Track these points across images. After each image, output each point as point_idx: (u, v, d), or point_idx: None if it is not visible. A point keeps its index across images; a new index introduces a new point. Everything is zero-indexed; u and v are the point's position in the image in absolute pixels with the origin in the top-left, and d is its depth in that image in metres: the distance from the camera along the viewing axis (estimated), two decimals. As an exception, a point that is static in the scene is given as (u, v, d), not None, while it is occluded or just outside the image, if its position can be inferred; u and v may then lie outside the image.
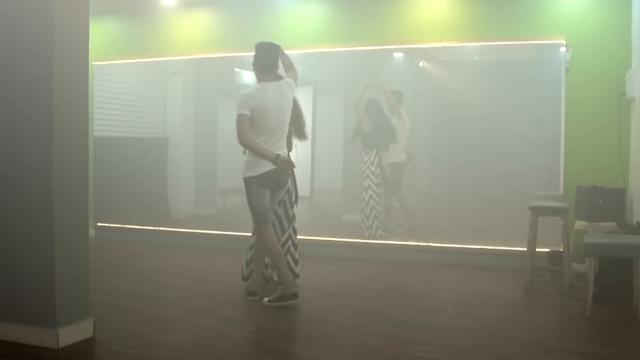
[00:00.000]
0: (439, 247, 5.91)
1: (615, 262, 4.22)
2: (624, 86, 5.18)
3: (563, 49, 5.55)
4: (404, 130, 6.29)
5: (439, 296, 4.52)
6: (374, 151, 6.23)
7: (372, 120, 6.25)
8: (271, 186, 4.24)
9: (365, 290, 4.75)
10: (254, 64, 4.30)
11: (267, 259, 4.57)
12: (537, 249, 4.93)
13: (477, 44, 5.93)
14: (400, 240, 6.06)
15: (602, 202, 5.02)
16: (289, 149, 4.50)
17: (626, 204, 5.16)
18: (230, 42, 6.72)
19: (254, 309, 4.20)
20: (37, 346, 3.26)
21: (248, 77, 7.00)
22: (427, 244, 5.96)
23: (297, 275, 4.80)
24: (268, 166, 4.13)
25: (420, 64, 6.33)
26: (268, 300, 4.23)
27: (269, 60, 4.26)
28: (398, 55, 6.40)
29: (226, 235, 6.51)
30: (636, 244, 3.88)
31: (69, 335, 3.32)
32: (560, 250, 5.17)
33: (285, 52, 4.44)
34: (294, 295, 4.19)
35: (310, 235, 6.33)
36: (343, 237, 6.28)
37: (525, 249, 4.93)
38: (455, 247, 5.84)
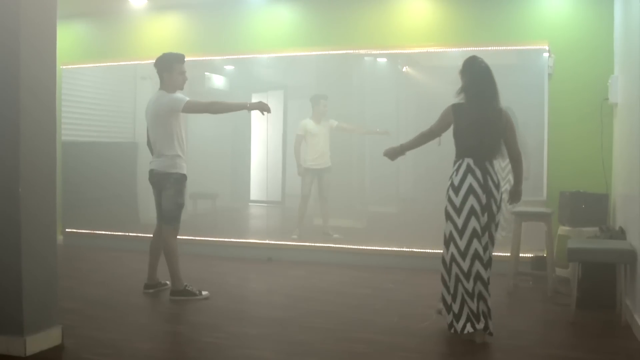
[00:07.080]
0: (422, 252, 5.83)
1: (598, 267, 4.19)
2: (606, 92, 5.17)
3: (546, 55, 5.54)
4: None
5: (423, 302, 4.45)
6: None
7: None
8: None
9: (347, 297, 4.66)
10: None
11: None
12: (520, 254, 4.89)
13: (461, 49, 5.89)
14: (382, 246, 5.97)
15: (585, 207, 5.01)
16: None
17: (609, 209, 5.14)
18: (200, 46, 6.63)
19: (224, 314, 4.12)
20: (4, 354, 3.17)
21: (218, 81, 6.89)
22: (410, 249, 5.89)
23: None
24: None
25: (404, 69, 6.29)
26: (171, 298, 4.50)
27: None
28: (382, 60, 6.35)
29: (196, 240, 6.37)
30: (619, 249, 3.87)
31: (37, 343, 3.24)
32: (543, 256, 5.14)
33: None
34: (186, 291, 4.49)
35: (281, 240, 6.29)
36: (316, 242, 6.19)
37: (508, 254, 4.89)
38: (438, 253, 5.73)
